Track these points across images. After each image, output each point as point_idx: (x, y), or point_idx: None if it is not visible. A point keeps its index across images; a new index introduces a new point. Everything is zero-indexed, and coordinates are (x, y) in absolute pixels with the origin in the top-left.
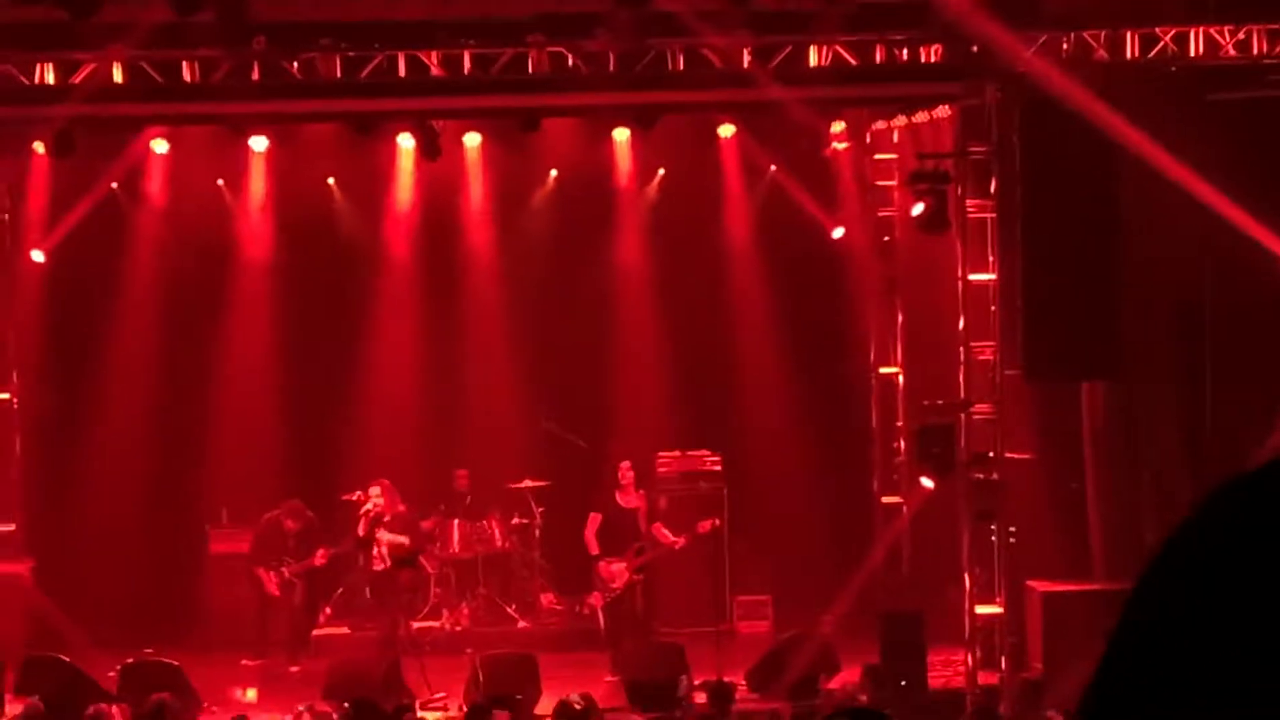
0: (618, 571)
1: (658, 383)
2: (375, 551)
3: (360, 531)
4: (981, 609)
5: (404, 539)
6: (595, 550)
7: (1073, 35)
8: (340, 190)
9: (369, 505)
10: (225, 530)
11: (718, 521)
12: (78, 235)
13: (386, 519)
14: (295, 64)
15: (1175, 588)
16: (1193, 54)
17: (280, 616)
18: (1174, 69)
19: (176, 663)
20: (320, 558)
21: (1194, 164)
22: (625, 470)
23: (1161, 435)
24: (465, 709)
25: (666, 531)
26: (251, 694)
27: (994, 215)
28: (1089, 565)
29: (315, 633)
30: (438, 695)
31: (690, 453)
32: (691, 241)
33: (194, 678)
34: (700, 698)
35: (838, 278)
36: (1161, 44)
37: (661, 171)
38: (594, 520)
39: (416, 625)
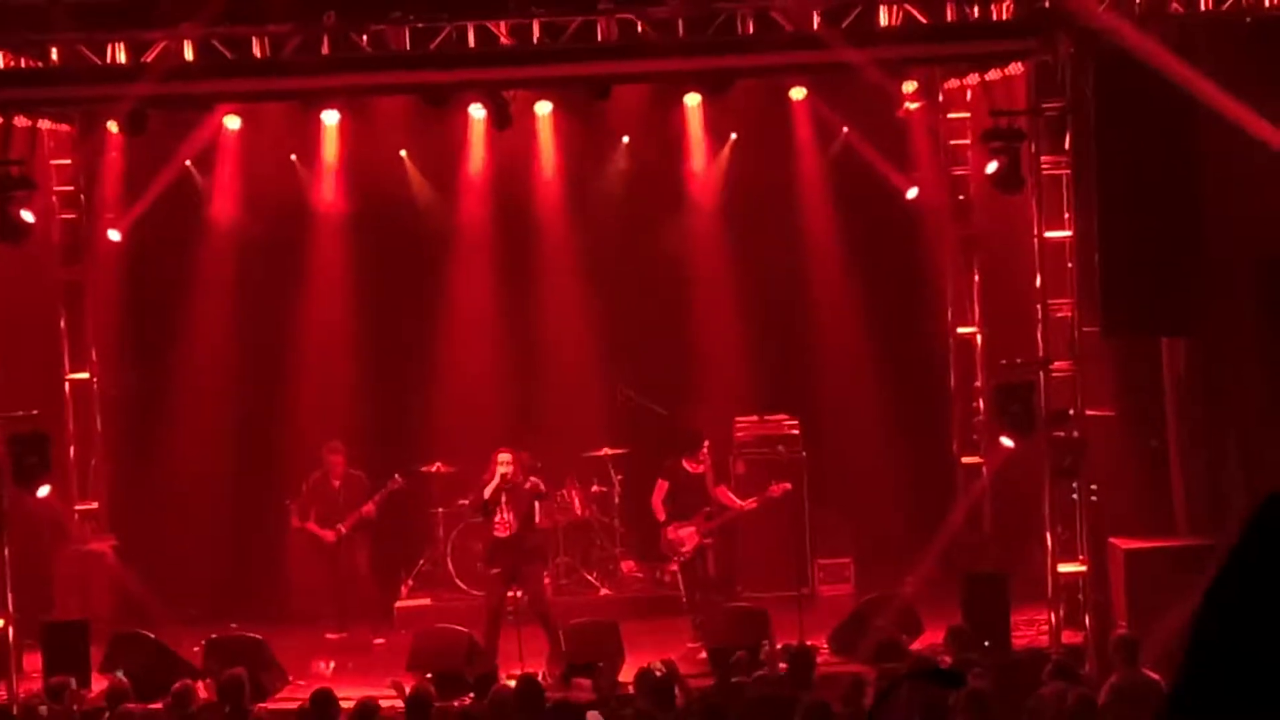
0: (686, 535)
1: (734, 348)
2: (499, 518)
3: (486, 495)
4: (1064, 567)
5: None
6: (662, 516)
7: None
8: (413, 162)
9: (500, 470)
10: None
11: (789, 486)
12: (153, 214)
13: (510, 487)
14: (365, 37)
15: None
16: (1268, 4)
17: (350, 585)
18: (1249, 20)
19: (260, 637)
20: (370, 508)
21: (1271, 115)
22: (706, 445)
23: (1244, 389)
24: (549, 677)
25: (732, 495)
26: (334, 666)
27: (1069, 172)
28: (1172, 521)
29: (397, 605)
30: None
31: (768, 417)
32: (765, 205)
33: (278, 651)
34: (782, 662)
35: (913, 238)
36: None
37: (734, 136)
38: (661, 487)
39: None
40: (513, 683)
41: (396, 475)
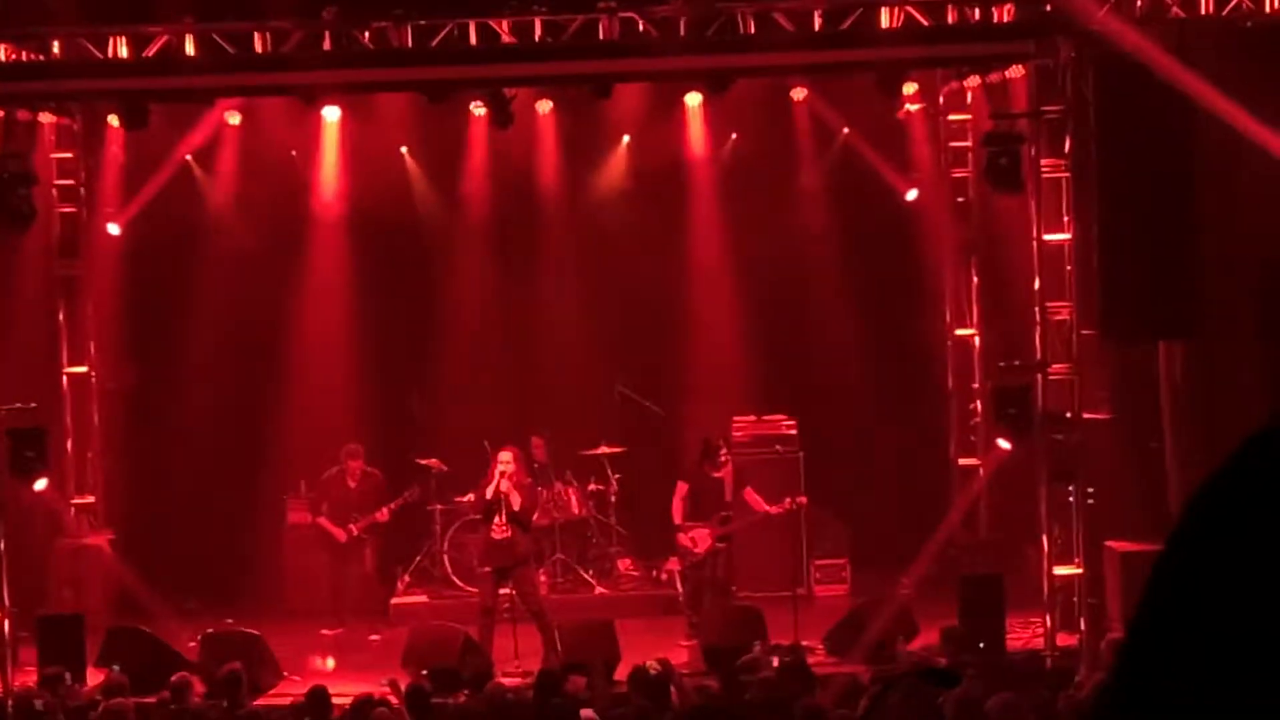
0: (700, 537)
1: (733, 347)
2: (496, 519)
3: (488, 494)
4: (1060, 570)
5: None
6: (680, 519)
7: None
8: (413, 159)
9: (501, 468)
10: (303, 500)
11: (804, 500)
12: (152, 208)
13: (511, 485)
14: (366, 33)
15: (1204, 550)
16: (1268, 9)
17: (354, 584)
18: (1249, 24)
19: (257, 632)
20: (384, 514)
21: (1270, 120)
22: (725, 451)
23: (1241, 393)
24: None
25: (759, 498)
26: (330, 663)
27: (1068, 175)
28: (1168, 525)
29: (394, 601)
30: None
31: (766, 417)
32: (765, 206)
33: (274, 646)
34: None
35: (912, 240)
36: (1236, 0)
37: (734, 136)
38: (681, 488)
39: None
40: (508, 681)
41: (415, 486)
